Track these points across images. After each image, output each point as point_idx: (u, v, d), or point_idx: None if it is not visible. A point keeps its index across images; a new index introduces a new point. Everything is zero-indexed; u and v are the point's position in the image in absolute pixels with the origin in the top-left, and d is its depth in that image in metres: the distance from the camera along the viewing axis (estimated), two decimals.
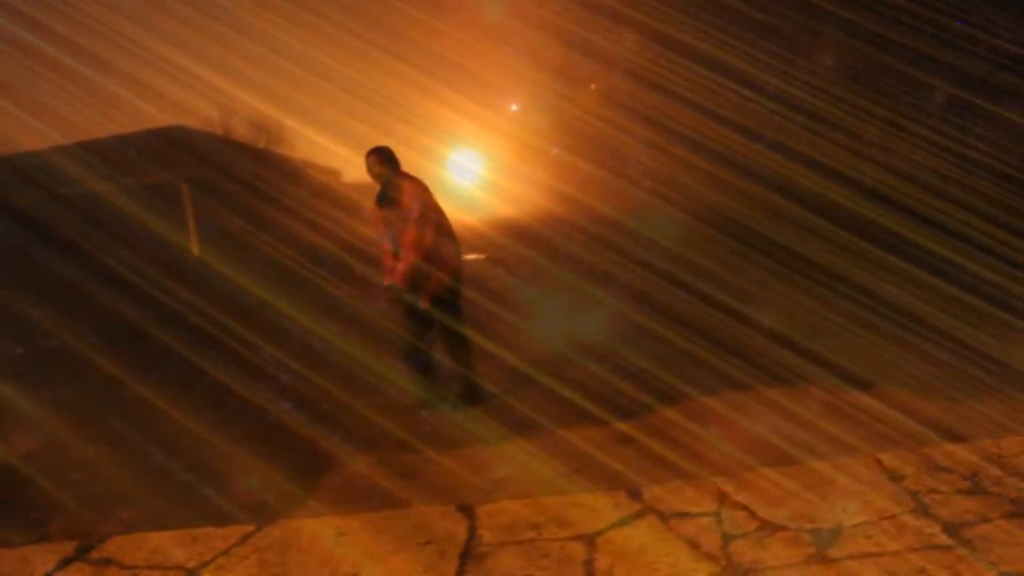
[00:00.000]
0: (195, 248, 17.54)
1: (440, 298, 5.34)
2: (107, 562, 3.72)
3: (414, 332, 5.42)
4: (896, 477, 3.82)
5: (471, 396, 5.51)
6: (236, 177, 18.46)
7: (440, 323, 5.39)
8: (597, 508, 3.77)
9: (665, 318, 7.20)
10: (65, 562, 3.75)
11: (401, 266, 5.24)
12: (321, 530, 3.80)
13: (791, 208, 11.55)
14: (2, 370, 6.93)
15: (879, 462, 4.00)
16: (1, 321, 8.96)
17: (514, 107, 32.19)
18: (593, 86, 22.16)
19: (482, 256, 13.48)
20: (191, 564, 3.62)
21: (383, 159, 5.39)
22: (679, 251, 10.52)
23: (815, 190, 12.31)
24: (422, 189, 5.37)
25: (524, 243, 13.28)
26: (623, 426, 4.87)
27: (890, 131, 14.22)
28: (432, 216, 5.30)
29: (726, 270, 9.21)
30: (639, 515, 3.68)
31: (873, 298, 7.21)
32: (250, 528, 3.90)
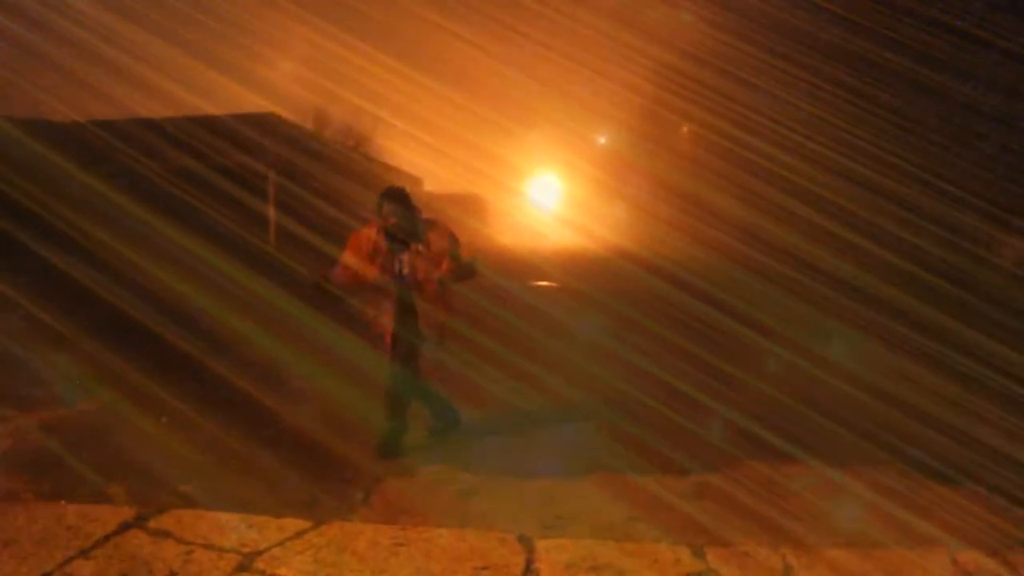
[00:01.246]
0: (272, 238, 17.81)
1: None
2: (165, 534, 3.74)
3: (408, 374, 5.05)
4: None
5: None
6: (317, 173, 18.76)
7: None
8: (658, 560, 3.67)
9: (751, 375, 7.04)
10: (124, 527, 3.78)
11: (434, 320, 4.93)
12: (378, 538, 3.76)
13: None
14: (79, 334, 7.07)
15: (955, 561, 3.83)
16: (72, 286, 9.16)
17: (602, 140, 32.27)
18: (685, 129, 22.09)
19: (554, 285, 13.45)
20: (245, 550, 3.61)
21: (404, 202, 4.93)
22: (751, 310, 10.33)
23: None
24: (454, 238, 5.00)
25: (595, 276, 13.20)
26: (695, 479, 4.75)
27: None
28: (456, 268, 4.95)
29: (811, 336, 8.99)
30: (701, 575, 3.57)
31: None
32: (307, 524, 3.89)
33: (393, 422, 5.07)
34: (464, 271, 4.96)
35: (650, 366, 6.98)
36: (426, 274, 4.88)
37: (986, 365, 7.52)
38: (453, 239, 4.94)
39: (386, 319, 4.95)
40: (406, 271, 4.91)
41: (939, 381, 7.25)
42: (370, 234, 4.97)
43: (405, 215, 4.89)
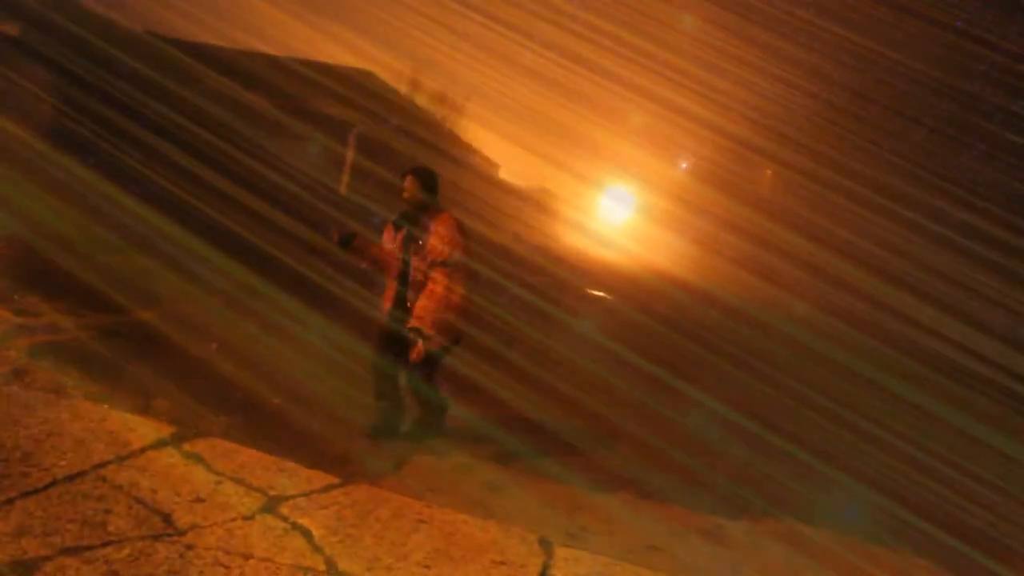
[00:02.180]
0: (343, 187, 18.01)
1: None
2: (197, 459, 3.79)
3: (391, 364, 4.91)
4: None
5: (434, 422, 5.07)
6: (400, 136, 18.90)
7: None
8: None
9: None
10: (161, 443, 3.84)
11: (431, 313, 4.68)
12: (403, 510, 3.77)
13: None
14: (159, 248, 7.23)
15: None
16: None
17: (684, 165, 32.02)
18: (769, 172, 21.84)
19: (607, 296, 13.40)
20: (272, 492, 3.64)
21: (426, 183, 4.90)
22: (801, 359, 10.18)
23: None
24: (463, 231, 4.88)
25: (644, 295, 13.10)
26: (718, 520, 4.66)
27: None
28: (465, 264, 4.85)
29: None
30: None
31: None
32: (335, 480, 3.91)
33: (379, 401, 4.93)
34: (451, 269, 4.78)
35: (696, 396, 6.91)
36: (417, 262, 4.81)
37: None
38: (449, 236, 4.79)
39: (385, 300, 4.95)
40: (409, 255, 4.85)
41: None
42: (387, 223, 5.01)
43: (418, 197, 4.87)
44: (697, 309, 13.11)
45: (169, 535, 3.08)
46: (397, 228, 4.93)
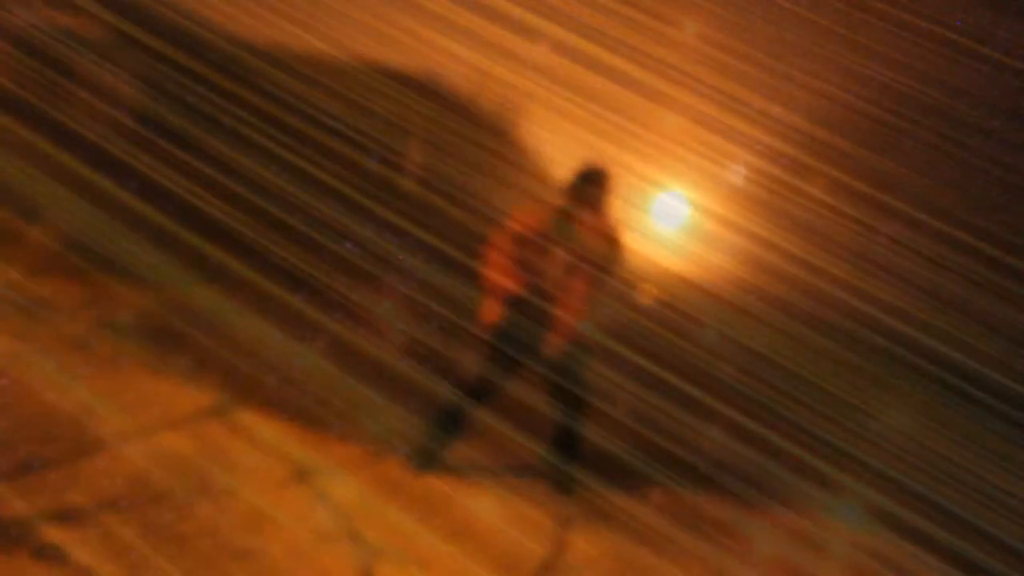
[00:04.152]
0: (407, 184, 18.27)
1: None
2: (239, 429, 3.98)
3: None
4: None
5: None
6: (455, 140, 19.08)
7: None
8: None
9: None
10: (209, 412, 4.05)
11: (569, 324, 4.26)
12: (433, 486, 3.90)
13: None
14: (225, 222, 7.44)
15: None
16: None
17: (737, 178, 31.56)
18: (822, 181, 21.54)
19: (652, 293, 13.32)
20: (307, 463, 3.81)
21: (608, 186, 4.37)
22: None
23: None
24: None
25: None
26: (735, 512, 4.69)
27: None
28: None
29: None
30: None
31: None
32: (369, 455, 4.07)
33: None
34: None
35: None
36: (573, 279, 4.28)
37: None
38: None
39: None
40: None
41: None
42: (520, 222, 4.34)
43: (597, 199, 4.34)
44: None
45: (205, 498, 3.27)
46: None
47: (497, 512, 3.86)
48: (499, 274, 4.23)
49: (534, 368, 4.38)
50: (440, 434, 4.27)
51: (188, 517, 3.09)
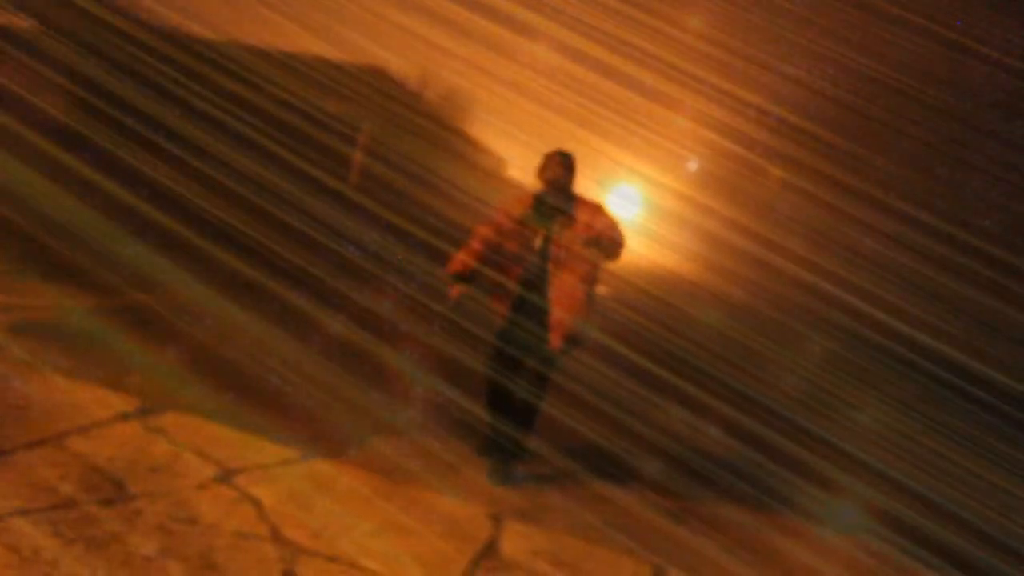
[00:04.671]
0: (352, 179, 18.13)
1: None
2: (159, 432, 3.89)
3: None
4: None
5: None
6: (407, 133, 19.00)
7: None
8: (618, 571, 3.68)
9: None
10: (125, 416, 3.95)
11: (566, 322, 4.33)
12: (358, 485, 3.85)
13: None
14: (148, 233, 7.37)
15: None
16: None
17: (692, 165, 31.88)
18: (778, 172, 21.77)
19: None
20: (230, 464, 3.73)
21: (570, 166, 4.46)
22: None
23: None
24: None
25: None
26: (685, 504, 4.72)
27: None
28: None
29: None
30: None
31: None
32: (295, 454, 4.00)
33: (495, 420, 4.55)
34: None
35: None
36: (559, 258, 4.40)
37: None
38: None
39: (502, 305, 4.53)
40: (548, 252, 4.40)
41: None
42: (504, 214, 4.51)
43: (561, 181, 4.44)
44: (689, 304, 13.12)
45: (119, 501, 3.18)
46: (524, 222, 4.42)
47: (429, 507, 3.82)
48: (469, 256, 4.42)
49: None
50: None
51: (102, 520, 3.00)
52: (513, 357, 4.46)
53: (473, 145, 23.75)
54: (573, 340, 4.43)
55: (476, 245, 4.45)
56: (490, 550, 3.55)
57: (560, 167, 4.43)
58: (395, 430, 4.77)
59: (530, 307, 4.40)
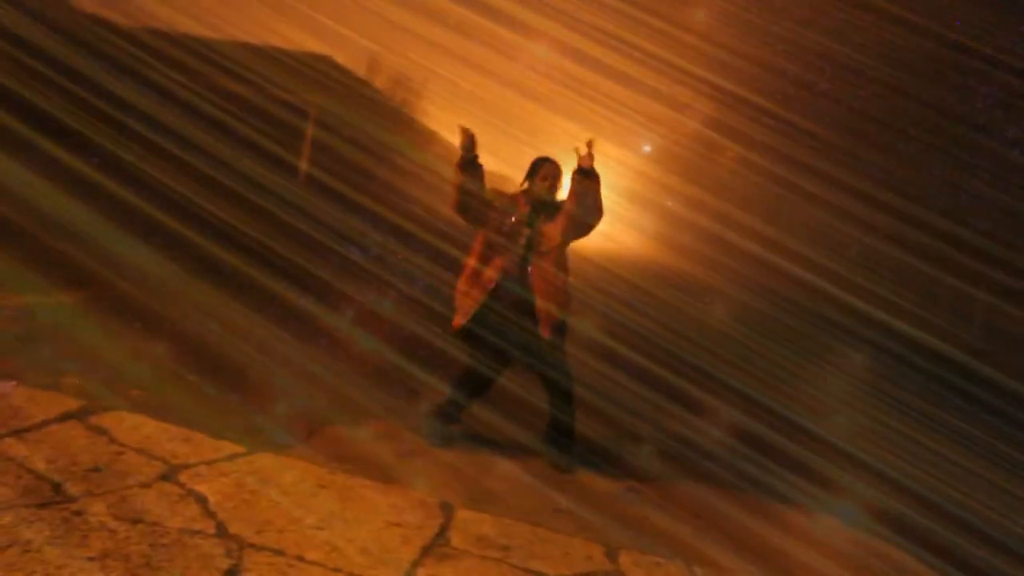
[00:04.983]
0: (303, 167, 17.96)
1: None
2: (101, 431, 3.82)
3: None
4: None
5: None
6: (359, 120, 18.85)
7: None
8: (570, 553, 3.70)
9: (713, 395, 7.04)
10: (64, 417, 3.87)
11: (552, 310, 4.62)
12: (305, 477, 3.83)
13: None
14: (80, 228, 7.22)
15: None
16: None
17: (647, 148, 32.09)
18: (729, 153, 22.00)
19: None
20: (175, 461, 3.69)
21: (561, 177, 4.80)
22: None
23: None
24: None
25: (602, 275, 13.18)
26: (633, 484, 4.78)
27: None
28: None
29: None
30: (607, 575, 3.60)
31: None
32: (241, 450, 3.96)
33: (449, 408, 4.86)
34: None
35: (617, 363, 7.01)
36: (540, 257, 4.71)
37: None
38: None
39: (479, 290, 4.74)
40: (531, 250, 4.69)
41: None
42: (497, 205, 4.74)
43: (554, 188, 4.78)
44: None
45: (57, 503, 3.12)
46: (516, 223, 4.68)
47: (377, 497, 3.81)
48: (473, 286, 4.66)
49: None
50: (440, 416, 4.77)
51: (37, 523, 2.94)
52: (496, 346, 4.68)
53: (425, 131, 23.60)
54: (560, 329, 4.71)
55: (476, 294, 4.65)
56: (439, 538, 3.55)
57: (557, 178, 4.77)
58: (345, 420, 4.75)
59: (515, 299, 4.63)
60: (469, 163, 4.63)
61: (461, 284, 4.70)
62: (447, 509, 3.85)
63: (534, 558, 3.58)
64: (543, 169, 4.76)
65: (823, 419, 7.21)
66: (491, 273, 4.62)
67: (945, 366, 10.76)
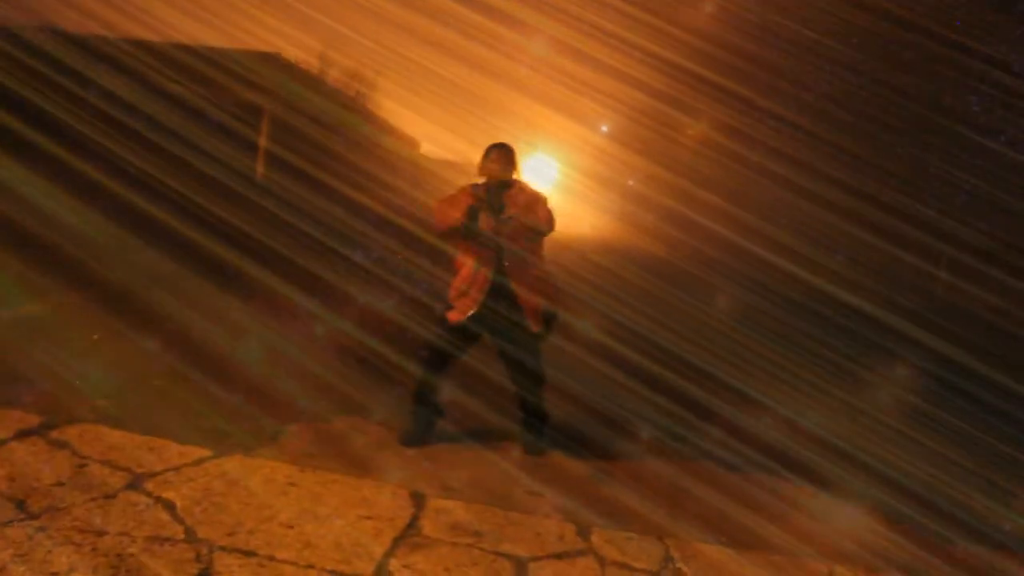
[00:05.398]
0: (259, 170, 17.81)
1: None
2: (63, 445, 3.78)
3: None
4: None
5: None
6: (316, 116, 18.71)
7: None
8: (542, 534, 3.73)
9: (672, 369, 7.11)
10: (24, 433, 3.83)
11: (536, 301, 4.65)
12: (274, 476, 3.82)
13: None
14: (35, 243, 7.11)
15: (830, 573, 3.90)
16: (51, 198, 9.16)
17: (604, 128, 32.28)
18: (690, 132, 22.17)
19: None
20: (139, 470, 3.66)
21: (513, 158, 4.74)
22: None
23: None
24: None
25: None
26: (604, 464, 4.82)
27: None
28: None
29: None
30: (580, 553, 3.63)
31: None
32: (208, 453, 3.94)
33: (419, 406, 4.77)
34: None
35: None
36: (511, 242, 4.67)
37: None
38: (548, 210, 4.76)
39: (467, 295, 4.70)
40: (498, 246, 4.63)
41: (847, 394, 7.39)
42: (459, 200, 4.68)
43: (505, 173, 4.70)
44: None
45: (20, 520, 3.09)
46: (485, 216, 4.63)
47: (347, 492, 3.81)
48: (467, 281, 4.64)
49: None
50: (425, 410, 4.73)
51: (2, 540, 2.91)
52: (480, 338, 4.74)
53: (381, 124, 23.46)
54: (548, 319, 4.74)
55: (475, 293, 4.62)
56: (411, 529, 3.56)
57: (506, 162, 4.70)
58: (312, 416, 4.74)
59: (503, 293, 4.62)
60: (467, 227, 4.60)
61: (457, 283, 4.68)
62: (418, 499, 3.86)
63: (506, 541, 3.60)
64: (492, 152, 4.74)
65: (780, 394, 7.32)
66: (485, 272, 4.60)
67: (897, 338, 10.95)
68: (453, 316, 4.64)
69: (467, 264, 4.65)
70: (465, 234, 4.61)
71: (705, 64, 19.25)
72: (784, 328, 10.31)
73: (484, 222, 4.61)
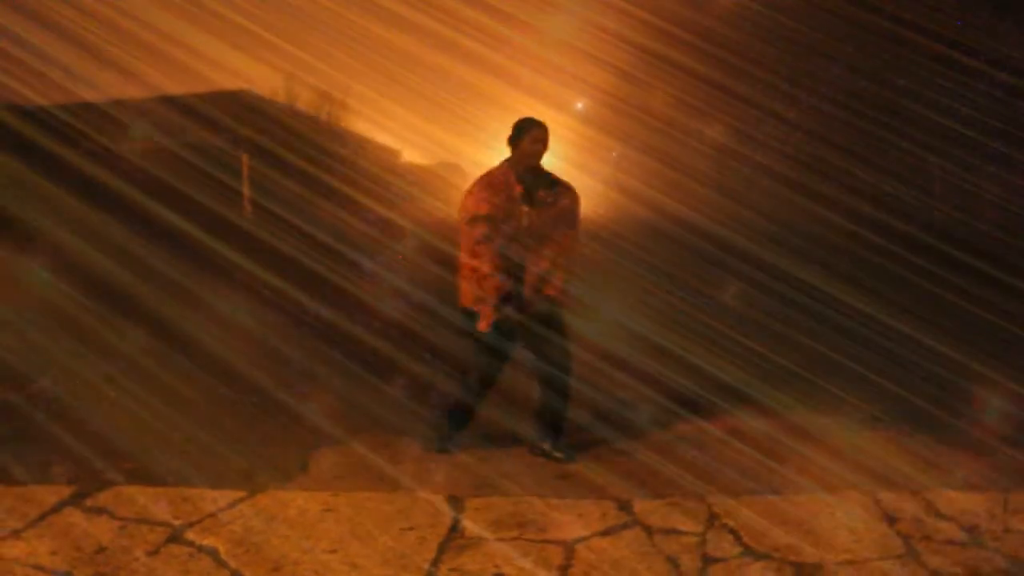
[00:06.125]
0: (246, 209, 17.85)
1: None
2: (100, 511, 3.80)
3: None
4: (891, 519, 3.73)
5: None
6: (295, 146, 18.73)
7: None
8: (584, 515, 3.74)
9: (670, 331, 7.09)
10: (60, 505, 3.84)
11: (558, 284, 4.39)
12: (309, 504, 3.84)
13: None
14: (33, 314, 7.14)
15: (877, 502, 3.90)
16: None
17: (579, 105, 32.27)
18: (660, 95, 22.14)
19: None
20: (177, 523, 3.68)
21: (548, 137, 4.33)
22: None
23: None
24: None
25: None
26: (622, 438, 4.83)
27: None
28: None
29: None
30: (625, 527, 3.65)
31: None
32: (241, 494, 3.96)
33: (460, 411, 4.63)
34: None
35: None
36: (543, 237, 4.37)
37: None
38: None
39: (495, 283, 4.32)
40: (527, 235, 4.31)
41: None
42: (482, 191, 4.30)
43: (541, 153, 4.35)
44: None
45: None
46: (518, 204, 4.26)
47: (384, 507, 3.82)
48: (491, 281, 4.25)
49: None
50: (453, 421, 4.59)
51: None
52: (511, 345, 4.44)
53: (357, 140, 23.46)
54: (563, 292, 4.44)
55: (486, 267, 4.24)
56: (454, 532, 3.58)
57: (546, 145, 4.32)
58: (335, 440, 4.75)
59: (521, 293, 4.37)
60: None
61: (478, 290, 4.28)
62: (456, 502, 3.87)
63: (550, 527, 3.61)
64: (535, 130, 4.28)
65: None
66: (505, 277, 4.28)
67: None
68: (482, 325, 4.32)
69: (480, 266, 4.26)
70: (494, 228, 4.22)
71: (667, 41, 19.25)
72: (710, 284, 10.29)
73: (523, 216, 4.27)
